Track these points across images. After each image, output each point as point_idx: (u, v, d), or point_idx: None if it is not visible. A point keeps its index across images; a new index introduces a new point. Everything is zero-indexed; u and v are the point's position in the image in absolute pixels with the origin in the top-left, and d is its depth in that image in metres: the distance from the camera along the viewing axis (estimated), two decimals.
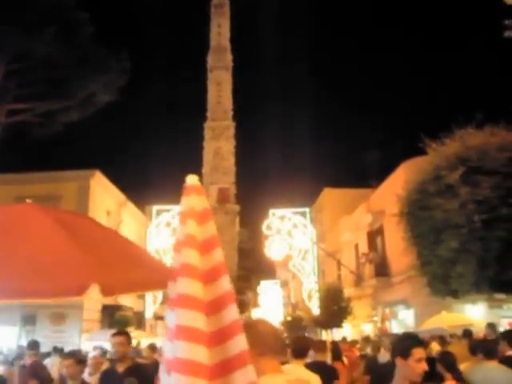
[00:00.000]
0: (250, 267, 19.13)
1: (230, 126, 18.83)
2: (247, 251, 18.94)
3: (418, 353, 2.61)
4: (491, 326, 8.78)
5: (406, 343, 2.69)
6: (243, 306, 16.44)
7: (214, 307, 1.78)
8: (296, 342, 4.68)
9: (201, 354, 1.62)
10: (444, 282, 9.78)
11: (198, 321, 1.67)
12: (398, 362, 2.64)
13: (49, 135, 19.03)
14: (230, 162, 18.46)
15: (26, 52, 16.10)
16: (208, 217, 1.92)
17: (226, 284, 1.87)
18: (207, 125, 18.70)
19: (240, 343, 1.71)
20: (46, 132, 18.86)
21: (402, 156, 16.45)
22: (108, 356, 7.65)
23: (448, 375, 4.74)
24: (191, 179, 1.99)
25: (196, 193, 1.96)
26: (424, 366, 2.59)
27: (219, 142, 18.32)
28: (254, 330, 2.05)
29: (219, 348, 1.71)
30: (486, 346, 4.72)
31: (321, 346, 5.59)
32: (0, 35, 14.74)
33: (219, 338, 1.72)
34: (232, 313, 1.78)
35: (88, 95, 17.91)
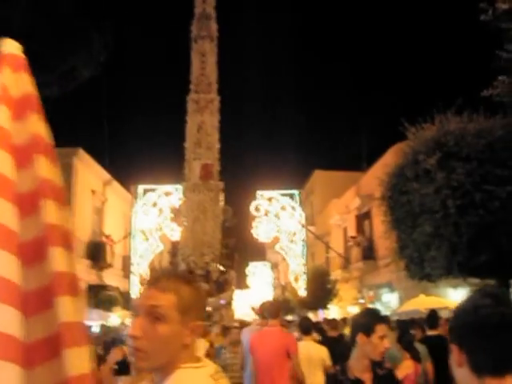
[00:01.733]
0: (234, 245, 19.19)
1: (214, 99, 18.40)
2: (231, 229, 18.93)
3: (382, 329, 2.47)
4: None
5: (369, 319, 2.53)
6: (225, 285, 16.55)
7: (32, 251, 1.19)
8: (302, 321, 5.98)
9: (11, 323, 1.03)
10: (419, 266, 9.83)
11: (6, 267, 1.08)
12: (360, 339, 2.49)
13: None
14: (214, 137, 18.11)
15: (2, 22, 15.68)
16: (31, 109, 1.25)
17: (52, 217, 1.22)
18: (190, 97, 18.27)
19: (64, 311, 1.17)
20: None
21: (394, 139, 16.35)
22: None
23: (406, 354, 4.87)
24: (9, 45, 1.29)
25: (13, 68, 1.28)
26: (386, 344, 2.47)
27: (203, 115, 17.92)
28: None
29: (40, 317, 1.16)
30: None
31: (333, 323, 7.22)
32: None
33: (40, 301, 1.17)
34: (57, 262, 1.21)
35: (68, 69, 17.53)
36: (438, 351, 5.08)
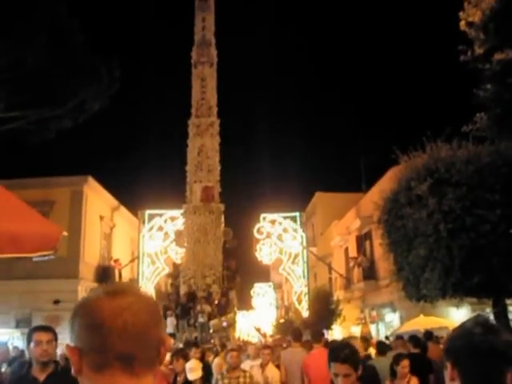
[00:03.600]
0: (235, 267, 19.37)
1: (214, 122, 18.95)
2: (232, 251, 19.16)
3: (336, 368, 2.70)
4: None
5: (332, 354, 2.80)
6: (227, 307, 16.65)
7: None
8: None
9: None
10: (416, 288, 10.23)
11: None
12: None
13: (41, 142, 19.46)
14: (214, 159, 18.57)
15: (17, 61, 16.50)
16: None
17: None
18: (191, 121, 18.85)
19: None
20: (39, 139, 19.28)
21: (391, 161, 16.81)
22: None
23: None
24: None
25: None
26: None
27: (203, 138, 18.43)
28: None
29: None
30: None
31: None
32: None
33: None
34: None
35: (79, 103, 18.31)
36: (420, 367, 6.04)
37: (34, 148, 20.27)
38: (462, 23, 8.27)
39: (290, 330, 6.62)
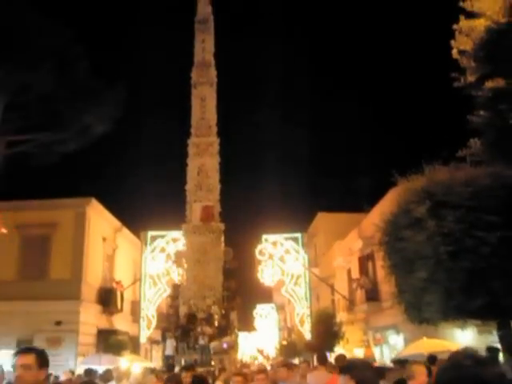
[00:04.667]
0: (235, 288, 19.23)
1: (214, 141, 19.15)
2: (232, 271, 19.05)
3: None
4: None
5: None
6: (228, 328, 16.44)
7: None
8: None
9: None
10: (418, 310, 10.20)
11: None
12: None
13: (47, 165, 19.75)
14: (214, 179, 18.66)
15: (25, 87, 16.92)
16: None
17: None
18: (191, 141, 19.07)
19: None
20: (44, 162, 19.59)
21: (394, 183, 16.85)
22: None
23: None
24: None
25: None
26: None
27: (203, 158, 18.58)
28: None
29: None
30: None
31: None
32: (1, 72, 15.56)
33: None
34: None
35: (84, 126, 18.70)
36: None
37: (38, 170, 20.56)
38: (455, 51, 8.51)
39: (316, 355, 6.82)
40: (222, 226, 18.59)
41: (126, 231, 23.65)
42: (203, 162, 19.18)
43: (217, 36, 21.78)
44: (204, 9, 21.66)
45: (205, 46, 21.18)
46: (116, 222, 22.58)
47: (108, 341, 19.32)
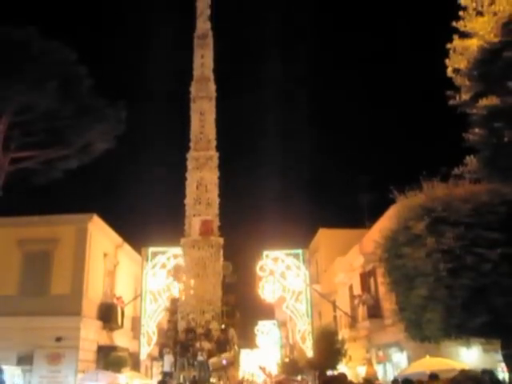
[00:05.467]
0: (234, 302, 19.00)
1: (213, 155, 19.22)
2: (231, 286, 18.89)
3: None
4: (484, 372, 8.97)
5: None
6: (227, 344, 16.21)
7: None
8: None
9: None
10: (418, 328, 10.10)
11: None
12: None
13: (49, 181, 19.90)
14: (213, 193, 18.65)
15: (29, 105, 17.18)
16: None
17: None
18: (190, 155, 19.17)
19: None
20: (46, 178, 19.75)
21: (392, 199, 16.83)
22: None
23: None
24: None
25: None
26: None
27: (202, 172, 18.64)
28: None
29: None
30: None
31: None
32: (5, 91, 15.82)
33: None
34: None
35: (86, 144, 18.92)
36: None
37: (40, 186, 20.68)
38: (449, 70, 8.63)
39: (317, 374, 6.89)
40: (221, 241, 18.52)
41: (127, 247, 23.66)
42: (202, 175, 19.23)
43: (216, 51, 22.06)
44: (203, 24, 21.97)
45: (204, 61, 21.43)
46: (117, 238, 22.61)
47: (108, 357, 19.20)
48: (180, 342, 15.73)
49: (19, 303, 18.32)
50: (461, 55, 8.29)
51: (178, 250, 19.67)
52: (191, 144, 19.94)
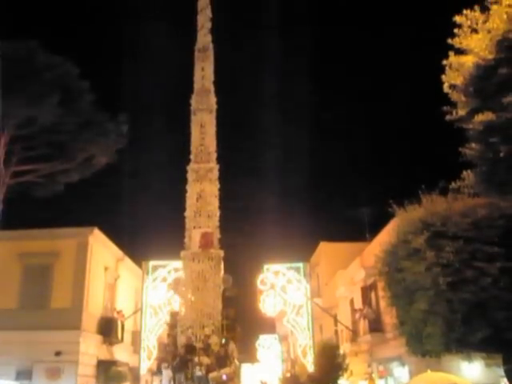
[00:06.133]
0: (235, 316, 18.77)
1: (213, 168, 19.18)
2: (232, 299, 18.64)
3: None
4: None
5: None
6: (227, 358, 15.94)
7: None
8: None
9: None
10: (419, 342, 10.05)
11: None
12: None
13: (50, 195, 19.97)
14: (214, 205, 18.56)
15: (31, 119, 17.34)
16: None
17: None
18: (190, 167, 19.18)
19: None
20: (48, 192, 19.82)
21: (392, 214, 16.84)
22: None
23: None
24: None
25: None
26: None
27: (202, 184, 18.61)
28: None
29: None
30: None
31: None
32: (7, 105, 15.98)
33: None
34: None
35: (87, 157, 19.05)
36: None
37: (41, 199, 20.74)
38: (446, 86, 8.77)
39: None
40: (221, 253, 18.36)
41: (127, 261, 23.63)
42: (202, 188, 19.19)
43: (217, 63, 22.20)
44: (204, 38, 22.14)
45: (204, 74, 21.52)
46: (118, 252, 22.60)
47: (108, 372, 19.05)
48: (179, 356, 15.57)
49: (19, 317, 18.26)
50: (457, 71, 8.44)
51: (178, 264, 19.62)
52: (191, 156, 19.95)
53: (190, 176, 19.39)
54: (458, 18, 8.73)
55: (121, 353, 21.87)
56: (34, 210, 23.00)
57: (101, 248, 20.66)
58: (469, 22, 8.46)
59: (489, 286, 8.74)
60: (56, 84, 17.14)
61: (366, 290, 20.28)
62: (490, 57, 7.87)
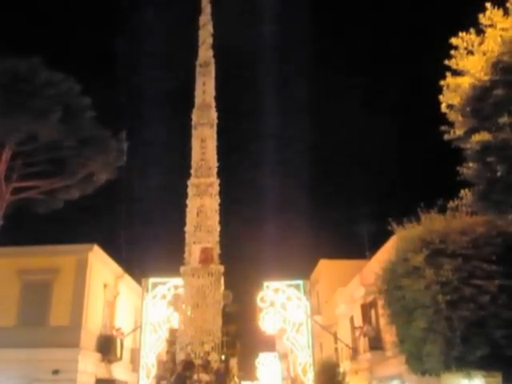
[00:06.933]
0: (235, 333, 18.47)
1: (214, 182, 19.16)
2: (232, 315, 18.33)
3: None
4: None
5: None
6: (227, 376, 15.69)
7: None
8: None
9: None
10: (419, 361, 10.04)
11: None
12: None
13: (50, 211, 19.98)
14: (214, 220, 18.46)
15: (32, 136, 17.47)
16: None
17: None
18: (191, 182, 19.17)
19: None
20: (47, 208, 19.83)
21: (392, 230, 16.89)
22: None
23: None
24: None
25: None
26: None
27: (203, 199, 18.55)
28: None
29: None
30: None
31: None
32: (9, 121, 16.12)
33: None
34: None
35: (88, 174, 19.11)
36: None
37: (41, 215, 20.74)
38: (443, 106, 8.97)
39: None
40: (221, 269, 18.21)
41: (127, 278, 23.54)
42: (203, 202, 19.13)
43: (218, 78, 22.39)
44: (206, 52, 22.35)
45: (205, 89, 21.63)
46: (118, 269, 22.53)
47: None
48: (177, 373, 15.37)
49: (16, 334, 18.11)
50: (454, 92, 8.63)
51: (178, 281, 19.55)
52: (192, 171, 19.98)
53: (191, 190, 19.37)
54: (454, 40, 8.96)
55: (119, 371, 21.64)
56: (34, 226, 23.02)
57: (100, 265, 20.62)
58: (465, 44, 8.68)
59: (487, 304, 8.79)
60: (58, 100, 17.28)
61: (366, 308, 20.20)
62: (486, 78, 8.06)
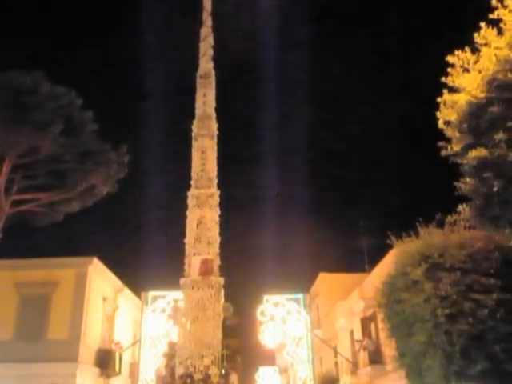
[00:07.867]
0: (236, 346, 18.24)
1: (214, 193, 19.10)
2: (233, 328, 18.10)
3: None
4: None
5: None
6: None
7: None
8: None
9: None
10: (419, 375, 10.04)
11: None
12: None
13: (49, 223, 20.00)
14: (214, 231, 18.34)
15: (33, 149, 17.57)
16: None
17: None
18: (191, 193, 19.13)
19: None
20: (48, 221, 19.84)
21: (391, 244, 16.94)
22: None
23: None
24: None
25: None
26: None
27: (203, 210, 18.49)
28: None
29: None
30: None
31: None
32: (10, 134, 16.24)
33: None
34: None
35: (88, 187, 19.17)
36: None
37: (41, 228, 20.74)
38: (440, 122, 9.15)
39: None
40: (221, 281, 18.07)
41: (127, 291, 23.46)
42: (203, 214, 19.07)
43: (218, 89, 22.53)
44: (206, 64, 22.53)
45: (206, 100, 21.73)
46: (117, 282, 22.46)
47: None
48: None
49: (14, 349, 17.98)
50: (451, 108, 8.81)
51: (178, 294, 19.47)
52: (192, 182, 19.99)
53: (191, 202, 19.33)
54: (450, 58, 9.16)
55: None
56: (34, 238, 23.00)
57: (100, 278, 20.57)
58: (461, 62, 8.88)
59: (486, 318, 8.82)
60: (60, 114, 17.41)
61: (366, 322, 20.18)
62: (482, 95, 8.24)
